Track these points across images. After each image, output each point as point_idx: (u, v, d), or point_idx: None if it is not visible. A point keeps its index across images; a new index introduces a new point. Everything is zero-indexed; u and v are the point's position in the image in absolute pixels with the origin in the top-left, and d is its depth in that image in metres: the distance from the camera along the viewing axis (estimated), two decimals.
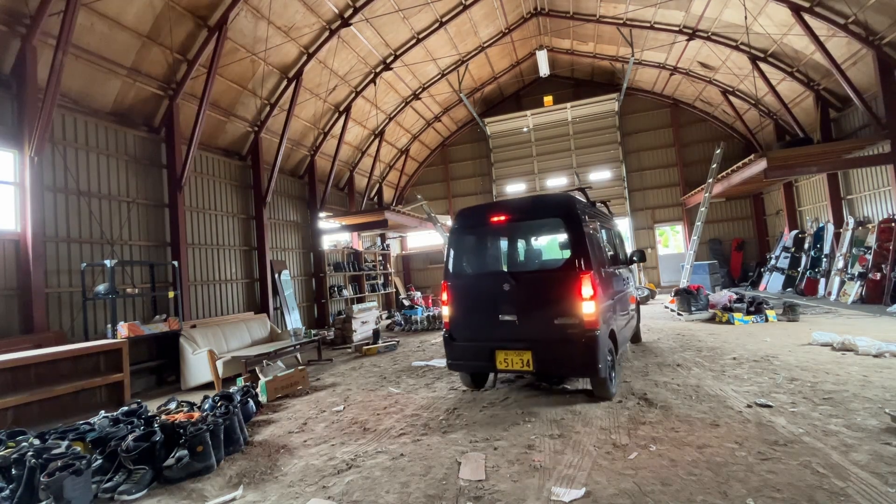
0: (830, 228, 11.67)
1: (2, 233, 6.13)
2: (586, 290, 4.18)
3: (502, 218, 4.79)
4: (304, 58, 10.58)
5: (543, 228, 5.07)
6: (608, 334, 4.45)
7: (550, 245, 5.57)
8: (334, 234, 14.37)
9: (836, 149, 10.25)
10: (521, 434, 3.74)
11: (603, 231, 5.54)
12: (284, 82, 10.75)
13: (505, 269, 4.88)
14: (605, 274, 4.81)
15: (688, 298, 9.70)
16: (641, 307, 12.09)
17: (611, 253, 5.73)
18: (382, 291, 16.63)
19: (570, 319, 4.22)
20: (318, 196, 13.51)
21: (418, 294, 17.00)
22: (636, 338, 7.21)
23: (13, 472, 3.10)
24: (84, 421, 4.19)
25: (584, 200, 5.12)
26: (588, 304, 4.16)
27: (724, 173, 12.82)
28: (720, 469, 2.85)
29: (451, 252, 5.01)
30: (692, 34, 12.21)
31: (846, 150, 10.33)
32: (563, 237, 4.74)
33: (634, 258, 6.12)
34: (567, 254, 4.47)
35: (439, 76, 15.06)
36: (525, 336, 4.43)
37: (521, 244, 5.44)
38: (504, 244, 5.28)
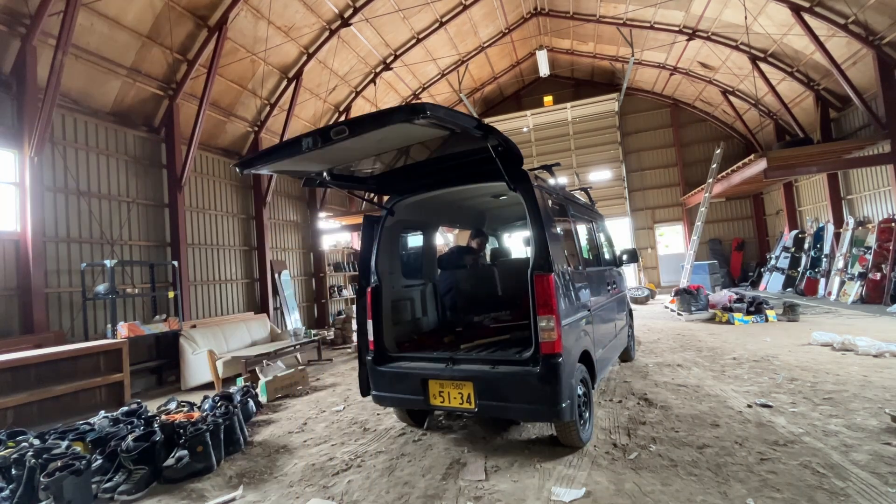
0: (830, 228, 11.67)
1: (2, 233, 6.13)
2: (544, 298, 3.10)
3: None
4: (304, 58, 10.58)
5: None
6: (578, 358, 3.39)
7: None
8: (334, 234, 14.35)
9: (836, 149, 10.26)
10: None
11: (579, 223, 4.55)
12: (284, 82, 10.75)
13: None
14: (576, 276, 3.75)
15: (688, 298, 9.71)
16: (642, 307, 12.12)
17: (589, 250, 4.72)
18: None
19: None
20: (318, 196, 13.51)
21: None
22: (627, 356, 5.90)
23: (13, 472, 3.10)
24: (84, 421, 4.19)
25: (550, 181, 4.12)
26: (546, 320, 3.08)
27: (724, 173, 12.83)
28: (720, 469, 2.85)
29: (377, 248, 4.02)
30: (692, 34, 12.20)
31: (846, 150, 10.34)
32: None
33: (625, 258, 5.38)
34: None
35: (439, 76, 15.05)
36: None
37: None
38: None
